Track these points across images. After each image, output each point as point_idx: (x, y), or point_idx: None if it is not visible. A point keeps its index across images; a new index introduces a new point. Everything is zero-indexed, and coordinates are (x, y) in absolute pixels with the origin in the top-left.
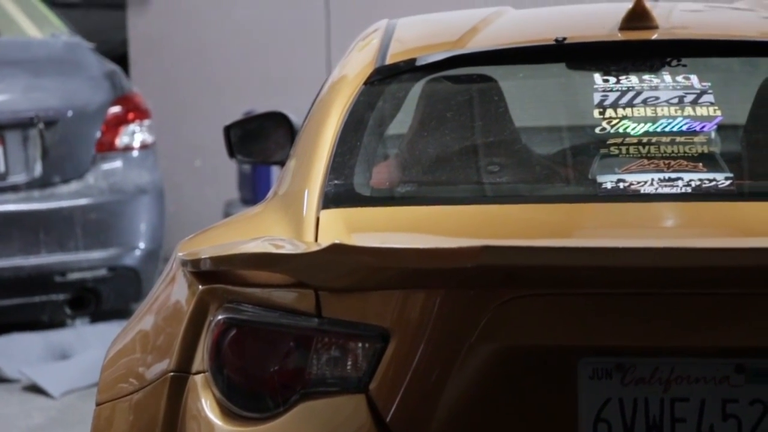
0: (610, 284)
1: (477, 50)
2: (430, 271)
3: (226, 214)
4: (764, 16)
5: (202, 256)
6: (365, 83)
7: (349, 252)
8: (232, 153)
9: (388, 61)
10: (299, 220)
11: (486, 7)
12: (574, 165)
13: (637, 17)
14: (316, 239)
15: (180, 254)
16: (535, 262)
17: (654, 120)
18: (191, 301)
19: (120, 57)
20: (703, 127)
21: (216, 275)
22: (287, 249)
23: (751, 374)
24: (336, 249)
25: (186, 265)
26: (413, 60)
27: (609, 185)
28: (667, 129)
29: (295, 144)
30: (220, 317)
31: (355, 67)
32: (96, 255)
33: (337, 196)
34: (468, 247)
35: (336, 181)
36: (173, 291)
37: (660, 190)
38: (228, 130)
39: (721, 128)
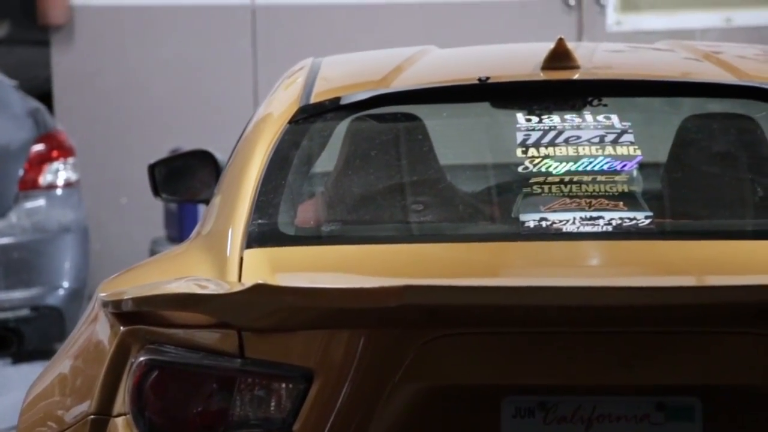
0: (532, 323)
1: (401, 89)
2: (353, 310)
3: (153, 253)
4: (685, 57)
5: (124, 297)
6: (290, 122)
7: (272, 292)
8: (156, 192)
9: (313, 99)
10: (223, 259)
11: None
12: (498, 204)
13: (559, 57)
14: (239, 279)
15: (101, 295)
16: (458, 301)
17: (576, 159)
18: (113, 342)
19: (45, 94)
20: (624, 166)
21: (138, 316)
22: (210, 289)
23: (672, 412)
24: (259, 289)
25: (107, 306)
26: (338, 99)
27: (532, 224)
28: (588, 168)
29: (220, 182)
30: (141, 358)
31: (279, 105)
32: (18, 294)
33: (261, 236)
34: (391, 286)
35: (260, 221)
36: (95, 332)
37: (582, 229)
38: (152, 168)
39: (641, 167)
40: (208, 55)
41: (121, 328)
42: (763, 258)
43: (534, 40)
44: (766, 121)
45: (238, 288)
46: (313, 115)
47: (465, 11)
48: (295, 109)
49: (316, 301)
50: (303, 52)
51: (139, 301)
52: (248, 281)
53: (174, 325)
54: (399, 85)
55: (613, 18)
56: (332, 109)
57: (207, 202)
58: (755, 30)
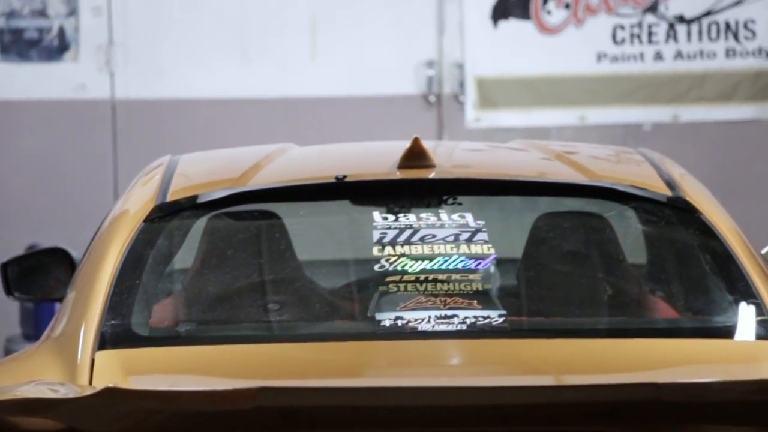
0: (388, 424)
1: (259, 187)
2: (207, 414)
3: (8, 351)
4: (537, 156)
5: None
6: (145, 220)
7: (123, 396)
8: (9, 290)
9: (170, 197)
10: (73, 362)
11: (273, 140)
12: (354, 302)
13: (415, 156)
14: (90, 382)
15: None
16: (312, 402)
17: (431, 257)
18: None
19: None
20: (478, 264)
21: None
22: (60, 393)
23: None
24: (109, 393)
25: None
26: (195, 197)
27: (387, 323)
28: (443, 266)
29: (73, 281)
30: None
31: (135, 203)
32: None
33: (113, 337)
34: (245, 388)
35: (113, 321)
36: None
37: (437, 328)
38: (5, 267)
39: (496, 265)
40: (67, 150)
41: None
42: (615, 356)
43: (396, 135)
44: (616, 219)
45: (88, 392)
46: (169, 214)
47: (327, 106)
48: (150, 207)
49: (169, 404)
50: (164, 147)
51: None
52: (99, 384)
53: (22, 431)
54: (257, 183)
55: (472, 115)
56: (189, 207)
57: (61, 300)
58: (608, 128)
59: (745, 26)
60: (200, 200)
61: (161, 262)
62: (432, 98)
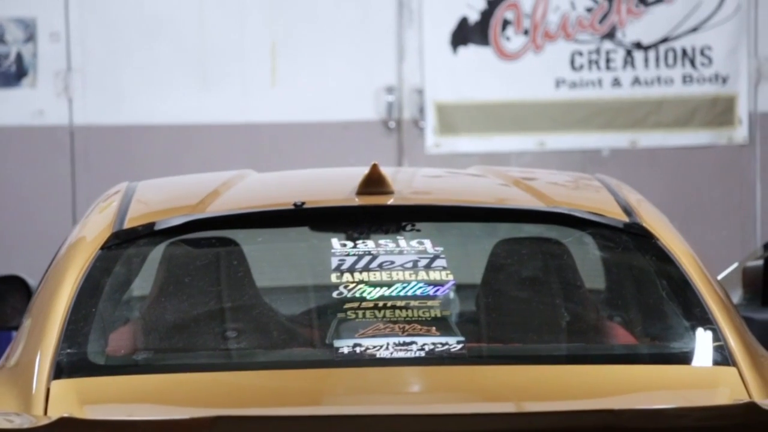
0: None
1: (217, 214)
2: None
3: None
4: (495, 183)
5: None
6: (102, 247)
7: (78, 426)
8: None
9: (127, 224)
10: (28, 391)
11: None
12: (313, 329)
13: (374, 182)
14: (45, 412)
15: None
16: (270, 431)
17: (389, 284)
18: None
19: None
20: (437, 291)
21: None
22: (14, 424)
23: None
24: (64, 423)
25: None
26: (152, 224)
27: (346, 350)
28: (401, 293)
29: (29, 309)
30: None
31: (92, 230)
32: None
33: (69, 366)
34: (201, 417)
35: (69, 350)
36: None
37: (395, 355)
38: None
39: (455, 291)
40: (25, 176)
41: None
42: (573, 383)
43: (356, 161)
44: (574, 245)
45: (43, 422)
46: (126, 241)
47: (287, 132)
48: (107, 234)
49: None
50: (123, 173)
51: None
52: (54, 414)
53: None
54: (215, 209)
55: (432, 140)
56: (146, 234)
57: (18, 328)
58: (567, 153)
59: (702, 53)
60: (158, 227)
61: (118, 290)
62: (392, 124)
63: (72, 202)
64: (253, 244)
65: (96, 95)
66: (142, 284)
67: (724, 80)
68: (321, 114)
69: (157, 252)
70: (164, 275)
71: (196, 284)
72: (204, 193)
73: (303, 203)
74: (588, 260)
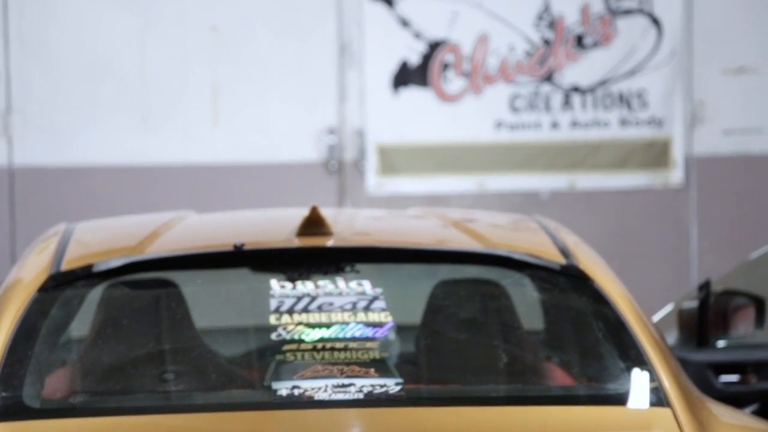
0: None
1: (156, 256)
2: None
3: None
4: (435, 224)
5: None
6: (39, 290)
7: None
8: None
9: (64, 266)
10: None
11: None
12: (252, 371)
13: (313, 224)
14: None
15: None
16: None
17: (328, 326)
18: None
19: None
20: (376, 332)
21: None
22: None
23: None
24: None
25: None
26: (90, 266)
27: (284, 392)
28: (340, 335)
29: None
30: None
31: (29, 272)
32: None
33: (4, 410)
34: None
35: (4, 393)
36: None
37: (334, 397)
38: None
39: (394, 333)
40: None
41: None
42: (512, 424)
43: (297, 202)
44: (513, 287)
45: None
46: (63, 283)
47: (228, 173)
48: (44, 276)
49: None
50: (63, 215)
51: None
52: None
53: None
54: (154, 251)
55: (373, 182)
56: (84, 276)
57: None
58: (506, 195)
59: (638, 96)
60: (96, 269)
61: (55, 333)
62: (333, 165)
63: (11, 243)
64: (192, 285)
65: (36, 136)
66: (80, 326)
67: (660, 123)
68: (262, 155)
69: (96, 294)
70: (102, 317)
71: (135, 326)
72: (143, 234)
73: (242, 245)
74: (526, 302)
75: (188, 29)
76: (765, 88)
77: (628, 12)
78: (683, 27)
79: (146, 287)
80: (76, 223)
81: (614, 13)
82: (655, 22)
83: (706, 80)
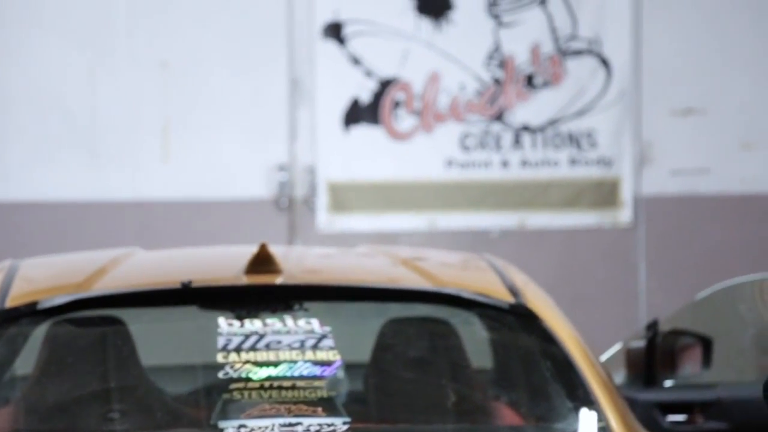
0: None
1: (102, 293)
2: None
3: None
4: (387, 262)
5: None
6: None
7: None
8: None
9: (8, 304)
10: None
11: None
12: (198, 410)
13: (262, 262)
14: None
15: None
16: None
17: (276, 364)
18: None
19: None
20: (324, 371)
21: None
22: None
23: None
24: None
25: None
26: (35, 303)
27: (231, 431)
28: (288, 374)
29: None
30: None
31: None
32: None
33: None
34: None
35: None
36: None
37: None
38: None
39: (342, 371)
40: None
41: None
42: None
43: (247, 239)
44: (462, 325)
45: None
46: (7, 320)
47: (178, 209)
48: None
49: None
50: (10, 251)
51: None
52: None
53: None
54: (100, 288)
55: (324, 219)
56: (29, 313)
57: None
58: (457, 233)
59: (588, 136)
60: (41, 306)
61: None
62: (284, 202)
63: None
64: (139, 323)
65: None
66: (24, 364)
67: (609, 163)
68: (213, 192)
69: (40, 331)
70: (47, 355)
71: (80, 364)
72: (89, 271)
73: (190, 282)
74: (475, 340)
75: (138, 65)
76: (712, 129)
77: (577, 52)
78: (632, 68)
79: (92, 325)
80: (22, 260)
81: (564, 53)
82: (605, 62)
83: (654, 121)
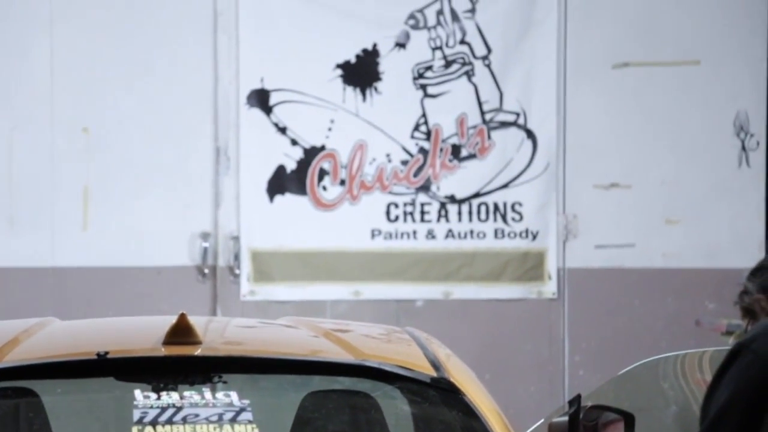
0: None
1: (15, 364)
2: None
3: None
4: (308, 334)
5: None
6: None
7: None
8: None
9: None
10: None
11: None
12: None
13: (181, 332)
14: None
15: None
16: None
17: None
18: None
19: None
20: None
21: None
22: None
23: None
24: None
25: None
26: None
27: None
28: None
29: None
30: None
31: None
32: None
33: None
34: None
35: None
36: None
37: None
38: None
39: None
40: None
41: None
42: None
43: (169, 307)
44: (383, 399)
45: None
46: None
47: (97, 277)
48: None
49: None
50: None
51: None
52: None
53: None
54: (13, 359)
55: (247, 288)
56: None
57: None
58: (381, 303)
59: (513, 208)
60: None
61: None
62: (206, 270)
63: None
64: (53, 395)
65: None
66: None
67: (534, 236)
68: (134, 259)
69: None
70: None
71: None
72: (2, 341)
73: (106, 353)
74: (397, 414)
75: (59, 130)
76: (636, 204)
77: (504, 124)
78: (557, 141)
79: (4, 396)
80: None
81: (490, 125)
82: (531, 135)
83: (579, 194)
